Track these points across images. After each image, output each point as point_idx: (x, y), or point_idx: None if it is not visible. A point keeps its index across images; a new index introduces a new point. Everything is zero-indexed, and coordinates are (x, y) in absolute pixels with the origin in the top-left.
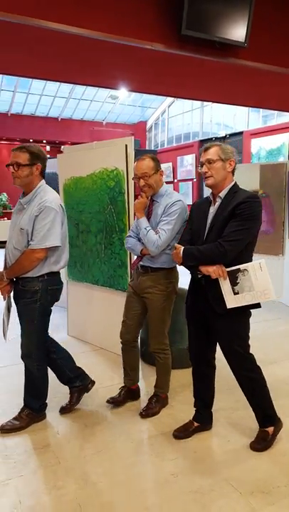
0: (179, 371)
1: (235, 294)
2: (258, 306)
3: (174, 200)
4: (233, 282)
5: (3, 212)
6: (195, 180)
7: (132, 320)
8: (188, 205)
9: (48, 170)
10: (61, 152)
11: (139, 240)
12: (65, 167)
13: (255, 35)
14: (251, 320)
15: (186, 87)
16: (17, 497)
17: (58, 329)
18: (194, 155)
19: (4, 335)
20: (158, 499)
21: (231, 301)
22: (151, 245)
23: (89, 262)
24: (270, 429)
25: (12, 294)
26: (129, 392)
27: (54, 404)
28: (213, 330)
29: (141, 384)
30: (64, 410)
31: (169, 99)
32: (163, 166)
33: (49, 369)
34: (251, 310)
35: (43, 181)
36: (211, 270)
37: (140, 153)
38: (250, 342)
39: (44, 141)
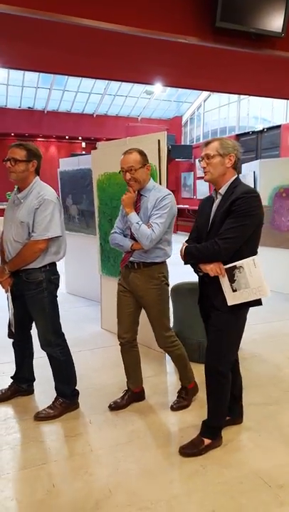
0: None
1: (234, 291)
2: (258, 303)
3: (164, 194)
4: (231, 279)
5: None
6: None
7: (128, 318)
8: None
9: (83, 166)
10: (96, 148)
11: (125, 235)
12: (99, 163)
13: None
14: (280, 317)
15: (222, 81)
16: (50, 480)
17: (92, 322)
18: None
19: (12, 326)
20: (186, 489)
21: (231, 299)
22: (144, 240)
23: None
24: (207, 441)
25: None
26: (132, 396)
27: (85, 396)
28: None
29: (171, 377)
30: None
31: (205, 94)
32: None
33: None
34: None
35: (38, 177)
36: (208, 268)
37: (175, 148)
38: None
39: (80, 138)
